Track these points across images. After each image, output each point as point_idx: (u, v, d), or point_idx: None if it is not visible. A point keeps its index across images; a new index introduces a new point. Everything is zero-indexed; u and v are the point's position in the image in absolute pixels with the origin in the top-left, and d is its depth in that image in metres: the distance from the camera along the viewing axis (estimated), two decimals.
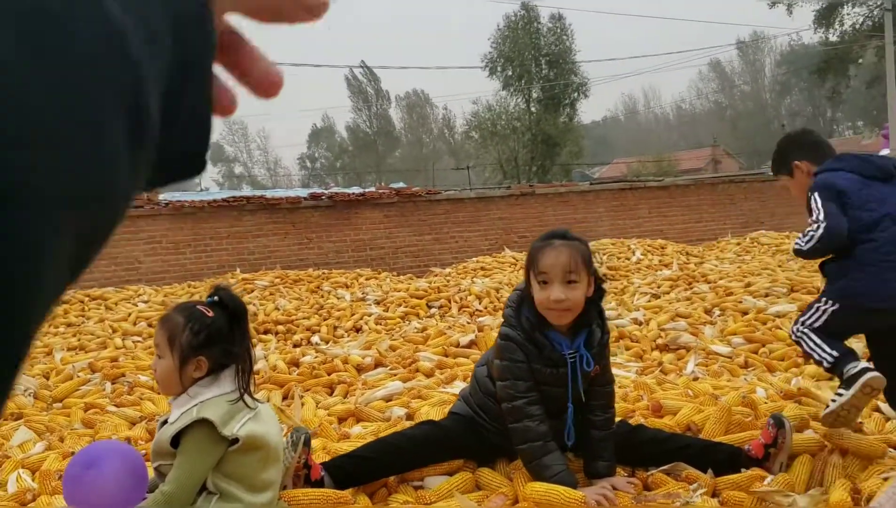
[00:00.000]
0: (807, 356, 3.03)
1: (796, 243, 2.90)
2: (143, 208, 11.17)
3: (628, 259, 10.46)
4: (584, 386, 2.51)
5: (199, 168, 0.40)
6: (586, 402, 2.57)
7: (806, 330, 2.97)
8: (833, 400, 2.85)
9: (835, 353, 2.89)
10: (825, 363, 2.91)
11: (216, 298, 2.15)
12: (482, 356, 2.92)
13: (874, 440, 2.70)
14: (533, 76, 34.10)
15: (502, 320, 2.58)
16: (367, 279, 9.52)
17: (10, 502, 2.67)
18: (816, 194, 2.86)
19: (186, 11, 0.37)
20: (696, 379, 3.92)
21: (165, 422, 2.16)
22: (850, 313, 2.90)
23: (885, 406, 3.26)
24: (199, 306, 2.13)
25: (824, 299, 2.93)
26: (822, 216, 2.81)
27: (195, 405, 2.07)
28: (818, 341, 2.93)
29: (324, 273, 9.89)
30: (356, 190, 13.29)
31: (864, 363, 2.84)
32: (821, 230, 2.79)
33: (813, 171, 2.98)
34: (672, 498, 2.26)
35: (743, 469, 2.51)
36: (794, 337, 3.02)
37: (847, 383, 2.79)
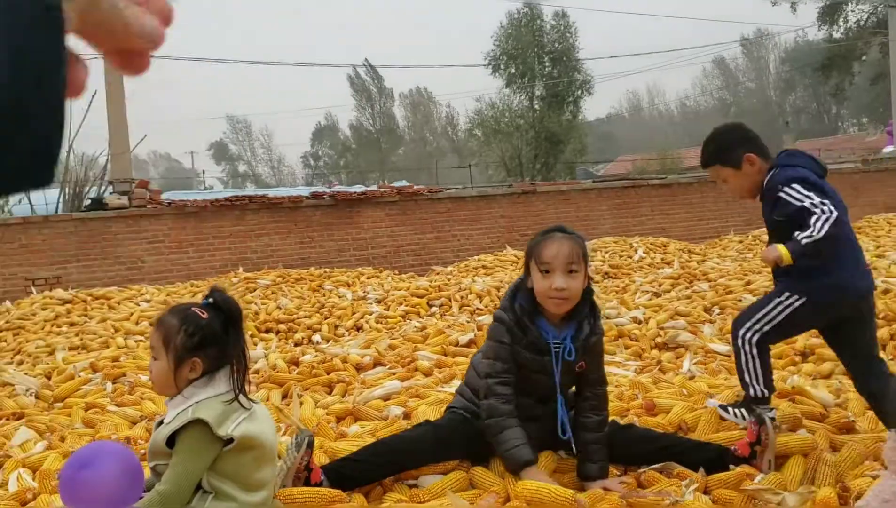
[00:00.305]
0: (738, 370, 3.00)
1: (804, 238, 2.68)
2: (146, 208, 11.22)
3: (630, 257, 10.48)
4: (568, 379, 2.62)
5: (43, 182, 0.38)
6: (578, 404, 2.63)
7: (755, 338, 2.92)
8: (735, 414, 2.96)
9: (766, 392, 2.93)
10: (752, 393, 2.92)
11: (211, 300, 2.18)
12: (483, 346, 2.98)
13: None
14: (536, 74, 34.08)
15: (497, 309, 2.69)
16: (368, 278, 9.56)
17: (10, 501, 2.70)
18: (797, 186, 2.80)
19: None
20: (692, 378, 3.94)
21: (161, 422, 2.19)
22: (816, 309, 2.89)
23: None
24: (193, 309, 2.16)
25: (787, 293, 2.88)
26: (822, 201, 2.71)
27: (190, 405, 2.10)
28: (760, 367, 2.92)
29: (326, 272, 9.93)
30: (359, 188, 13.32)
31: (774, 413, 2.87)
32: (834, 214, 2.68)
33: (763, 166, 2.96)
34: (663, 496, 2.29)
35: (732, 467, 2.54)
36: (739, 342, 2.95)
37: (752, 415, 2.81)
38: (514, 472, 2.46)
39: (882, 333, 4.59)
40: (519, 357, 2.56)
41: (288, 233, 11.87)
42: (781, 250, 2.72)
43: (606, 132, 64.59)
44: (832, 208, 2.70)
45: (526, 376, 2.58)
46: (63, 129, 0.38)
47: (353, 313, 7.08)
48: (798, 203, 2.77)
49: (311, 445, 2.46)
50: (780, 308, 2.91)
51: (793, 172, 2.88)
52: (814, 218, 2.70)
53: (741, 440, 2.63)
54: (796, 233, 2.72)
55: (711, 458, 2.60)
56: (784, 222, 2.83)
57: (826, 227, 2.67)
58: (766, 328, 2.92)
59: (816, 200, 2.74)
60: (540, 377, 2.58)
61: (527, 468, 2.43)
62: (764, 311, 2.92)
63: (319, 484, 2.47)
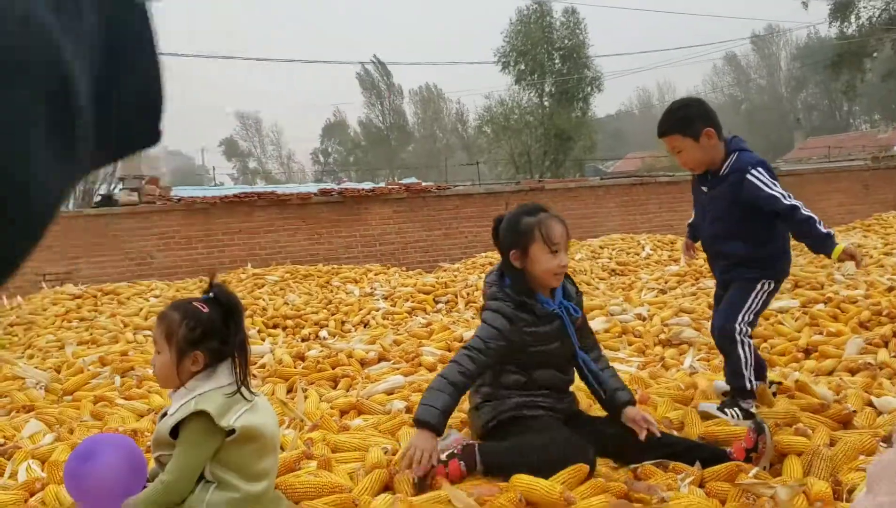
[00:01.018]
0: (730, 363, 3.11)
1: (826, 231, 2.94)
2: (156, 204, 11.31)
3: (637, 254, 10.48)
4: (559, 346, 2.76)
5: (151, 140, 0.38)
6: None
7: (747, 329, 3.07)
8: (731, 415, 3.05)
9: (756, 384, 3.08)
10: (748, 385, 3.04)
11: (211, 294, 2.23)
12: None
13: None
14: (546, 70, 34.03)
15: (487, 300, 2.76)
16: (376, 275, 9.61)
17: (20, 491, 2.75)
18: (763, 170, 3.02)
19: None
20: (693, 374, 3.96)
21: (165, 414, 2.23)
22: (778, 286, 3.18)
23: (877, 401, 3.30)
24: (194, 303, 2.20)
25: (762, 281, 3.09)
26: (786, 195, 2.98)
27: (193, 397, 2.14)
28: (754, 355, 3.08)
29: (333, 268, 9.99)
30: (368, 185, 13.38)
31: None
32: (798, 204, 2.96)
33: (717, 143, 3.12)
34: (651, 492, 2.31)
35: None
36: (737, 335, 3.06)
37: (744, 413, 3.00)
38: (414, 424, 2.57)
39: (885, 330, 4.61)
40: (531, 337, 2.67)
41: (296, 230, 11.94)
42: (845, 248, 2.91)
43: (616, 129, 64.41)
44: (795, 201, 2.96)
45: (542, 350, 2.70)
46: (162, 82, 0.38)
47: (360, 310, 7.13)
48: (768, 190, 2.98)
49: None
50: (760, 296, 3.11)
51: (754, 156, 3.10)
52: (803, 212, 2.94)
53: (737, 444, 2.65)
54: (820, 228, 2.93)
55: (707, 458, 2.63)
56: (746, 206, 3.03)
57: (812, 219, 2.93)
58: (751, 318, 3.10)
59: (784, 191, 2.98)
60: (555, 345, 2.71)
61: (423, 428, 2.49)
62: (748, 302, 3.09)
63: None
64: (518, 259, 2.68)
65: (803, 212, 2.94)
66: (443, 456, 2.50)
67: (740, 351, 3.06)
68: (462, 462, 2.49)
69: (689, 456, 2.64)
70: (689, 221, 3.58)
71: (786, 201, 2.95)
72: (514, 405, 2.71)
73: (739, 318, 3.07)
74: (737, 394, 3.09)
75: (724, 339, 3.10)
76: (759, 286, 3.09)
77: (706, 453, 2.68)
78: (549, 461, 2.45)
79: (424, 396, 2.57)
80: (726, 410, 3.09)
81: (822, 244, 2.94)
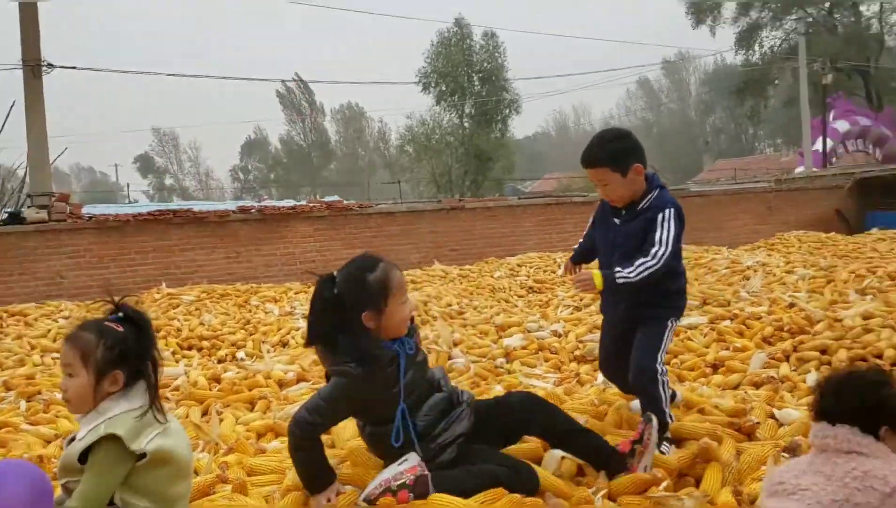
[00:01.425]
0: (648, 402, 3.06)
1: (620, 278, 2.92)
2: (66, 222, 10.93)
3: (554, 272, 10.68)
4: (415, 375, 2.59)
5: None
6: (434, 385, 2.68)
7: (664, 367, 3.10)
8: (665, 450, 2.99)
9: (672, 417, 3.11)
10: (668, 420, 3.04)
11: (121, 314, 2.18)
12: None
13: None
14: (466, 92, 34.48)
15: (328, 366, 2.58)
16: (296, 293, 9.50)
17: None
18: (674, 216, 3.04)
19: None
20: (604, 390, 4.06)
21: (73, 439, 2.17)
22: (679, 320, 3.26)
23: (778, 413, 3.44)
24: (107, 323, 2.15)
25: (670, 318, 3.15)
26: (667, 249, 2.97)
27: (102, 421, 2.09)
28: (668, 395, 3.10)
29: (252, 287, 9.84)
30: (289, 203, 13.26)
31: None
32: (659, 264, 2.95)
33: (643, 179, 3.11)
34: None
35: (611, 461, 2.67)
36: (659, 376, 3.05)
37: (643, 416, 2.94)
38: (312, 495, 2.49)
39: (786, 345, 4.82)
40: (380, 388, 2.51)
41: (214, 248, 11.72)
42: (597, 280, 2.95)
43: (534, 150, 65.57)
44: (663, 261, 2.96)
45: (399, 389, 2.54)
46: None
47: (279, 329, 7.03)
48: (662, 234, 3.00)
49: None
50: (669, 333, 3.15)
51: (673, 198, 3.13)
52: (641, 260, 2.96)
53: (626, 439, 2.74)
54: (617, 269, 2.96)
55: (594, 446, 2.72)
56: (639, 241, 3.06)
57: (644, 275, 2.94)
58: (664, 355, 3.14)
59: (663, 246, 2.98)
60: (392, 392, 2.53)
61: (317, 493, 2.46)
62: (662, 341, 3.12)
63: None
64: (373, 320, 2.49)
65: (648, 268, 2.93)
66: (394, 485, 2.39)
67: (660, 391, 3.05)
68: (412, 494, 2.40)
69: (573, 440, 2.71)
70: (576, 245, 3.55)
71: (657, 251, 2.95)
72: (434, 454, 2.57)
73: (658, 358, 3.06)
74: (659, 430, 3.14)
75: (645, 377, 3.05)
76: (669, 324, 3.12)
77: (592, 439, 2.75)
78: (502, 482, 2.44)
79: (297, 472, 2.50)
80: (661, 449, 3.14)
81: (611, 277, 2.94)
